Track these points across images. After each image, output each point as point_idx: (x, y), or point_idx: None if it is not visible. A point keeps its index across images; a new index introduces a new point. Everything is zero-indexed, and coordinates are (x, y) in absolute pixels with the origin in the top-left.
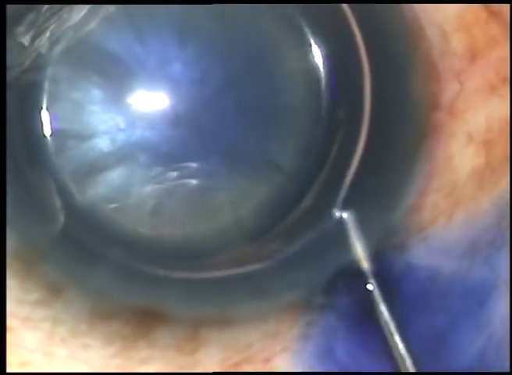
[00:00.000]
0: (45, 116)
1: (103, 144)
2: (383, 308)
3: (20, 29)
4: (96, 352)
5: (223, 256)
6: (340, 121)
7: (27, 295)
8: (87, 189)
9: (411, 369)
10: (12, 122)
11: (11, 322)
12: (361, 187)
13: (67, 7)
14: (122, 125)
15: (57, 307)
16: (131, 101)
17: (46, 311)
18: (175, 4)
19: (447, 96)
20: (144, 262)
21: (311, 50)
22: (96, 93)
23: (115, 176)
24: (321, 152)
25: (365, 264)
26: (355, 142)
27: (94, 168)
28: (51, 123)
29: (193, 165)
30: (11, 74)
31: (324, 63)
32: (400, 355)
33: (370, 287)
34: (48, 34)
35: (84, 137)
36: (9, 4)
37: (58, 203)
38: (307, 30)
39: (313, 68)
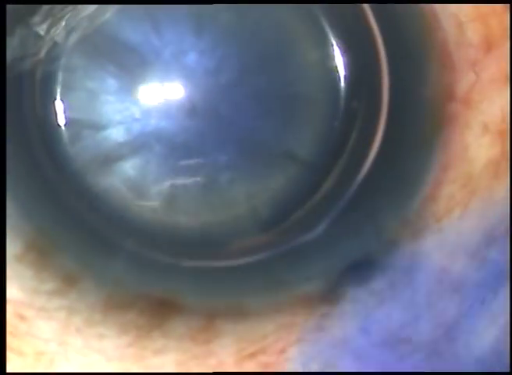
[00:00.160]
0: (60, 105)
1: (118, 134)
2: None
3: (36, 18)
4: (111, 342)
5: (238, 245)
6: (357, 111)
7: (43, 285)
8: (102, 179)
9: None
10: (27, 112)
11: (26, 312)
12: (377, 177)
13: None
14: (137, 115)
15: (72, 297)
16: (146, 90)
17: (61, 301)
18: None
19: (463, 86)
20: (159, 252)
21: (329, 40)
22: (111, 82)
23: (131, 166)
24: (338, 143)
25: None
26: (372, 132)
27: (109, 158)
28: (65, 112)
29: (209, 155)
30: (26, 64)
31: (341, 54)
32: None
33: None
34: (63, 23)
35: (99, 126)
36: (9, 4)
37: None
38: (325, 21)
39: (331, 58)
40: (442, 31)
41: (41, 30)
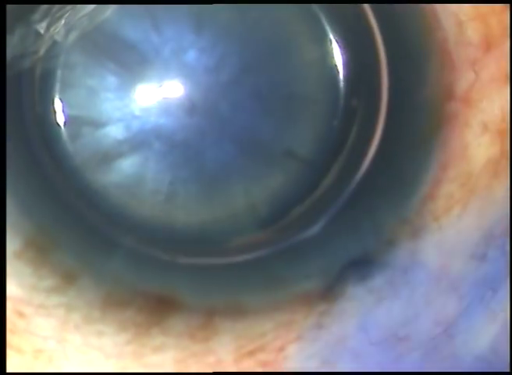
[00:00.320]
0: (59, 103)
1: (117, 131)
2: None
3: (36, 17)
4: (110, 339)
5: (237, 243)
6: (357, 110)
7: (41, 282)
8: (101, 176)
9: None
10: (26, 110)
11: (25, 309)
12: (376, 176)
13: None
14: (136, 112)
15: (71, 294)
16: (146, 88)
17: (60, 298)
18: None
19: (462, 86)
20: (157, 249)
21: (329, 39)
22: (111, 80)
23: (130, 163)
24: (338, 141)
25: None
26: (371, 131)
27: (108, 155)
28: (65, 110)
29: (208, 152)
30: (25, 62)
31: (341, 53)
32: None
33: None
34: (63, 22)
35: (99, 124)
36: (9, 4)
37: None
38: (325, 20)
39: (330, 57)
40: (442, 30)
41: (41, 28)
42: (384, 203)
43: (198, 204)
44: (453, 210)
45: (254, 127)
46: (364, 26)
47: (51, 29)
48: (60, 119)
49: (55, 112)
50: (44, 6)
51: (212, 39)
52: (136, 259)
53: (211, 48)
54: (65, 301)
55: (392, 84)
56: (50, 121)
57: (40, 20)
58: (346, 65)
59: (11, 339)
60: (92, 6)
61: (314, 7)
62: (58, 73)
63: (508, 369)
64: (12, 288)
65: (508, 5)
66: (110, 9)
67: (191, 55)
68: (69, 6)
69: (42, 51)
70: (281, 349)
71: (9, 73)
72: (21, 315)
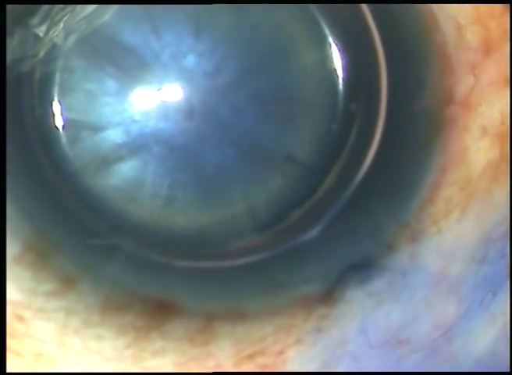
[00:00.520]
0: (58, 107)
1: (117, 135)
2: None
3: (35, 20)
4: (109, 343)
5: (236, 246)
6: (356, 114)
7: (41, 286)
8: (100, 180)
9: None
10: (25, 114)
11: (24, 313)
12: (375, 180)
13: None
14: (136, 116)
15: (70, 298)
16: (145, 92)
17: (59, 302)
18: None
19: (462, 89)
20: (157, 253)
21: (328, 43)
22: (110, 84)
23: (129, 167)
24: (337, 145)
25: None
26: (370, 135)
27: (107, 159)
28: (64, 114)
29: (207, 156)
30: (24, 65)
31: (340, 57)
32: None
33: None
34: (62, 25)
35: (98, 128)
36: (9, 4)
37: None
38: (324, 24)
39: (329, 61)
40: (441, 34)
41: (40, 31)
42: (383, 207)
43: (197, 207)
44: (452, 214)
45: (252, 131)
46: (364, 30)
47: (51, 32)
48: (59, 122)
49: (54, 116)
50: (44, 9)
51: (211, 43)
52: (136, 263)
53: (211, 52)
54: (65, 306)
55: (391, 88)
56: (49, 125)
57: (40, 24)
58: (345, 69)
59: (10, 343)
60: (91, 9)
61: (314, 11)
62: (58, 76)
63: (508, 370)
64: (11, 292)
65: (508, 5)
66: (109, 13)
67: (190, 59)
68: (68, 9)
69: (41, 55)
70: (280, 353)
71: (8, 76)
72: (20, 319)
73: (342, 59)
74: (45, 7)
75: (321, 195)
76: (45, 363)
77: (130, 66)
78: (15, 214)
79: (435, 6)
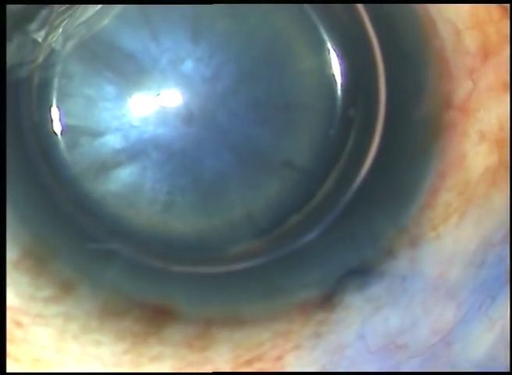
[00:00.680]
0: (56, 112)
1: (115, 140)
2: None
3: (34, 25)
4: (107, 349)
5: (234, 251)
6: (354, 119)
7: (39, 292)
8: (99, 185)
9: None
10: (24, 119)
11: (22, 318)
12: (374, 185)
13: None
14: (134, 122)
15: (68, 303)
16: (144, 97)
17: (58, 307)
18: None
19: (460, 94)
20: (155, 258)
21: (326, 48)
22: (109, 89)
23: (128, 173)
24: (335, 150)
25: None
26: (369, 140)
27: (106, 165)
28: (62, 119)
29: (206, 162)
30: (23, 71)
31: (339, 62)
32: None
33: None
34: (61, 30)
35: (96, 133)
36: (9, 4)
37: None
38: (322, 30)
39: (328, 66)
40: (440, 39)
41: (39, 36)
42: (381, 212)
43: (196, 213)
44: (450, 219)
45: (251, 136)
46: (362, 35)
47: (49, 37)
48: (57, 128)
49: (52, 122)
50: (42, 14)
51: (210, 49)
52: (134, 269)
53: (209, 57)
54: (63, 311)
55: (389, 94)
56: (47, 130)
57: (38, 29)
58: (343, 74)
59: (9, 348)
60: (90, 14)
61: (312, 16)
62: (56, 81)
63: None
64: (9, 298)
65: (508, 6)
66: (108, 18)
67: (189, 65)
68: (66, 14)
69: (40, 60)
70: (279, 358)
71: (7, 81)
72: (19, 324)
73: (340, 65)
74: (44, 12)
75: (320, 200)
76: (43, 369)
77: (129, 71)
78: (13, 219)
79: (433, 11)
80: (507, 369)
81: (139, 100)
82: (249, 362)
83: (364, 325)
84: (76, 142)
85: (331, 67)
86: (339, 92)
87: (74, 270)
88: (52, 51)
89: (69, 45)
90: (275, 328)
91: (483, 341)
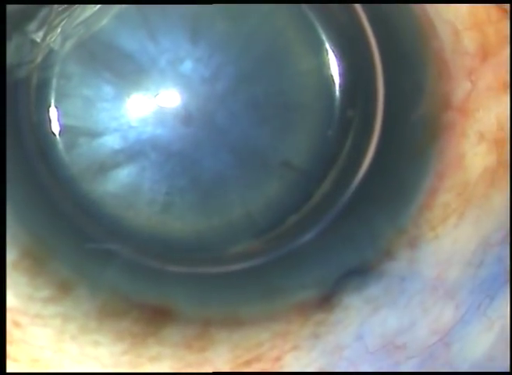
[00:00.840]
0: (55, 112)
1: (114, 141)
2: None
3: (32, 25)
4: (106, 349)
5: (233, 251)
6: (352, 120)
7: (38, 292)
8: (97, 186)
9: None
10: (22, 119)
11: (21, 319)
12: (372, 185)
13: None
14: (133, 122)
15: (67, 304)
16: (143, 98)
17: (56, 308)
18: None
19: (459, 95)
20: (154, 259)
21: (325, 49)
22: (107, 89)
23: (126, 173)
24: (333, 151)
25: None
26: (367, 141)
27: (104, 165)
28: (61, 119)
29: (205, 162)
30: (22, 71)
31: (337, 62)
32: None
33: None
34: (59, 30)
35: (95, 134)
36: (9, 4)
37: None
38: (321, 30)
39: (326, 67)
40: (438, 39)
41: (37, 37)
42: (380, 212)
43: (194, 213)
44: (449, 219)
45: (249, 137)
46: (360, 35)
47: (48, 37)
48: (56, 128)
49: (50, 122)
50: (41, 15)
51: (209, 49)
52: (133, 269)
53: (208, 58)
54: (62, 312)
55: (388, 94)
56: (46, 131)
57: (37, 29)
58: (342, 75)
59: (7, 349)
60: (88, 14)
61: (311, 17)
62: (54, 82)
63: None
64: (8, 298)
65: (508, 5)
66: (106, 18)
67: (187, 65)
68: (65, 14)
69: (38, 60)
70: (277, 359)
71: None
72: (17, 325)
73: (338, 65)
74: (43, 12)
75: (318, 201)
76: (42, 369)
77: (127, 71)
78: (12, 220)
79: (431, 12)
80: (507, 370)
81: (137, 100)
82: (248, 363)
83: (362, 325)
84: (75, 143)
85: (329, 68)
86: (337, 93)
87: (73, 271)
88: (51, 52)
89: (68, 45)
90: (273, 329)
91: (482, 341)
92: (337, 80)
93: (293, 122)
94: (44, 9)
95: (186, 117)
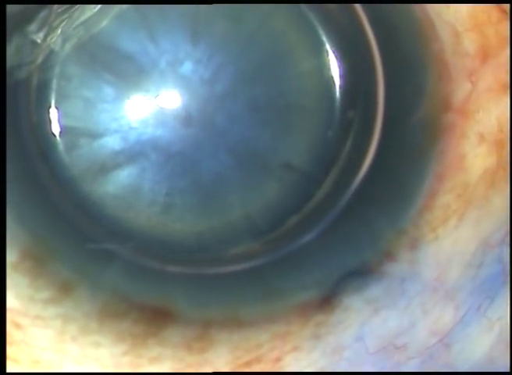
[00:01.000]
0: (55, 113)
1: (114, 142)
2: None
3: (33, 26)
4: (106, 350)
5: (233, 252)
6: (353, 121)
7: (38, 293)
8: (98, 187)
9: None
10: (22, 120)
11: (22, 320)
12: (372, 187)
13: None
14: (133, 123)
15: (68, 305)
16: (143, 99)
17: (57, 309)
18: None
19: (459, 96)
20: (154, 260)
21: (325, 50)
22: (108, 91)
23: (127, 174)
24: (334, 152)
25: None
26: (367, 142)
27: (105, 166)
28: (61, 120)
29: (205, 163)
30: (22, 72)
31: (337, 64)
32: None
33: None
34: (59, 31)
35: (96, 135)
36: (9, 4)
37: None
38: (321, 32)
39: (326, 68)
40: (439, 41)
41: (38, 38)
42: (380, 214)
43: (195, 214)
44: (449, 220)
45: (250, 138)
46: (361, 37)
47: (48, 38)
48: (56, 129)
49: (51, 123)
50: (41, 16)
51: (208, 50)
52: (133, 270)
53: (208, 59)
54: (62, 313)
55: (388, 95)
56: (46, 132)
57: (37, 30)
58: (342, 76)
59: (8, 350)
60: (88, 15)
61: (311, 18)
62: (55, 83)
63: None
64: (9, 299)
65: (508, 6)
66: (106, 19)
67: (187, 67)
68: (65, 15)
69: (39, 61)
70: (277, 360)
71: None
72: (18, 326)
73: (339, 67)
74: (43, 13)
75: (318, 202)
76: (43, 370)
77: (128, 72)
78: (12, 221)
79: (432, 13)
80: (507, 370)
81: (138, 101)
82: (248, 364)
83: (362, 326)
84: (75, 143)
85: (330, 69)
86: (337, 94)
87: (73, 272)
88: (51, 53)
89: (68, 46)
90: (273, 330)
91: (482, 342)
92: (337, 81)
93: (293, 123)
94: (44, 10)
95: (186, 118)
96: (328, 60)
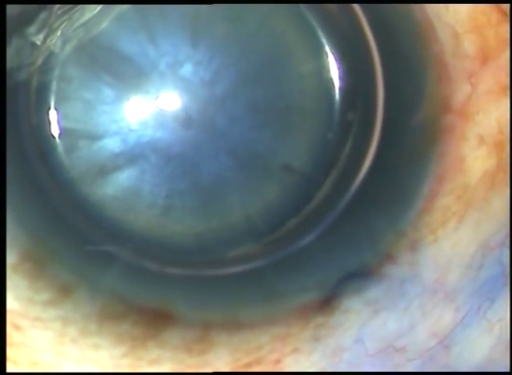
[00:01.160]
0: (55, 115)
1: (114, 144)
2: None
3: (33, 28)
4: (106, 352)
5: (233, 254)
6: (352, 123)
7: (38, 295)
8: (97, 189)
9: None
10: (22, 122)
11: (21, 322)
12: (372, 189)
13: (79, 6)
14: (133, 125)
15: (67, 307)
16: (143, 101)
17: (56, 311)
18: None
19: (459, 98)
20: (154, 262)
21: (325, 52)
22: (107, 93)
23: (126, 176)
24: (333, 154)
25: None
26: (367, 144)
27: (104, 168)
28: (61, 122)
29: (205, 165)
30: (22, 74)
31: (337, 66)
32: None
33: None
34: (59, 33)
35: (95, 137)
36: (9, 4)
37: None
38: (321, 34)
39: (326, 70)
40: (438, 43)
41: (37, 39)
42: (380, 215)
43: (194, 216)
44: (449, 222)
45: (249, 140)
46: (361, 39)
47: (48, 40)
48: (56, 131)
49: (50, 125)
50: (41, 17)
51: (208, 52)
52: (133, 272)
53: (208, 61)
54: (62, 314)
55: (388, 97)
56: (46, 133)
57: (37, 32)
58: (342, 78)
59: (7, 351)
60: (88, 17)
61: (311, 20)
62: (54, 85)
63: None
64: (8, 301)
65: (508, 6)
66: (106, 21)
67: (187, 68)
68: (65, 17)
69: (38, 63)
70: (277, 362)
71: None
72: (17, 327)
73: (338, 68)
74: (42, 15)
75: (318, 204)
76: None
77: (127, 74)
78: (11, 223)
79: (432, 15)
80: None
81: (137, 103)
82: (248, 366)
83: (362, 328)
84: (75, 145)
85: (329, 71)
86: (337, 96)
87: (73, 274)
88: (51, 54)
89: (68, 48)
90: (273, 332)
91: (482, 343)
92: (337, 83)
93: (292, 125)
94: (44, 12)
95: (186, 120)
96: (328, 62)
